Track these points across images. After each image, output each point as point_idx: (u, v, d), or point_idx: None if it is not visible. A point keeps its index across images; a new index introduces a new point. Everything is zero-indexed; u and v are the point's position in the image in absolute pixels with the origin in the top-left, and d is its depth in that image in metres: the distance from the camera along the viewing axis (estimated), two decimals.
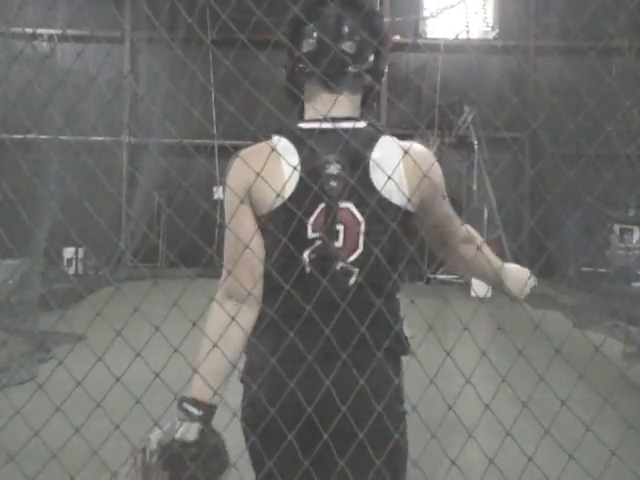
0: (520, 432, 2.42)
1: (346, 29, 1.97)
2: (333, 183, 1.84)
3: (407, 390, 2.24)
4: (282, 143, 1.96)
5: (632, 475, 2.47)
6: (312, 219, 1.85)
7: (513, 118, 13.88)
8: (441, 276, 14.25)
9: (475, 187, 14.36)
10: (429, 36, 15.88)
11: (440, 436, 2.27)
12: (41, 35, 11.94)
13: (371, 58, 2.04)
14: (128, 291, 2.49)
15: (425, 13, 16.09)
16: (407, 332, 2.11)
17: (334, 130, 1.87)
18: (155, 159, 13.40)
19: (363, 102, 2.12)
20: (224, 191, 1.98)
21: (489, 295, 12.23)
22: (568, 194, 9.84)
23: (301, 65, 2.05)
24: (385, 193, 1.87)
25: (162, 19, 11.31)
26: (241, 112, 2.93)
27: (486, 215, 14.07)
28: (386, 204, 1.85)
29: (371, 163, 1.87)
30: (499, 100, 13.00)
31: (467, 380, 2.22)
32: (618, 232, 13.02)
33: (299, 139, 1.93)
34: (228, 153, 2.17)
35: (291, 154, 1.92)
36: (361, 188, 1.82)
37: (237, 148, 2.16)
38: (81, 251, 13.36)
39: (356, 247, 1.87)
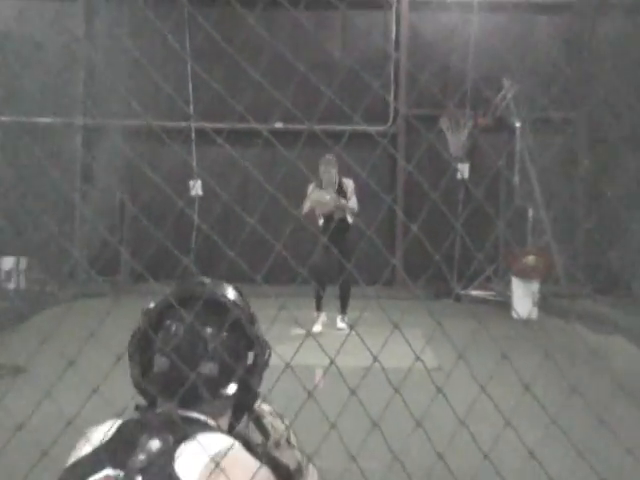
0: None
1: (208, 345, 2.00)
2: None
3: (432, 435, 2.25)
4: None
5: None
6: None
7: (565, 94, 13.90)
8: (475, 292, 14.25)
9: (517, 180, 14.35)
10: None
11: None
12: None
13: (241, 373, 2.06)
14: (82, 310, 2.50)
15: None
16: (432, 363, 2.13)
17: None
18: (117, 146, 13.41)
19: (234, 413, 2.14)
20: None
21: (534, 316, 12.23)
22: (634, 189, 9.86)
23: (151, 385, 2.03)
24: None
25: None
26: (225, 87, 2.94)
27: (531, 216, 14.06)
28: None
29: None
30: (548, 72, 13.01)
31: (506, 422, 2.23)
32: None
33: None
34: (208, 138, 2.17)
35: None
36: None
37: (220, 132, 2.17)
38: (23, 261, 13.36)
39: None
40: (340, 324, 10.68)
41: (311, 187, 10.35)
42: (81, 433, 1.96)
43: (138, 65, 11.56)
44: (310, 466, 2.14)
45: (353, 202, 10.37)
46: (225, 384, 2.02)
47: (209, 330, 2.03)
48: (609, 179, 11.86)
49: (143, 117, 12.46)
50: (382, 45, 15.99)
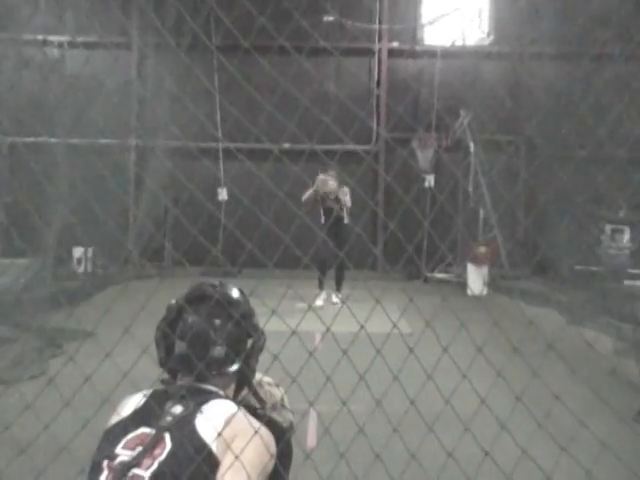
0: (514, 425, 2.42)
1: (217, 334, 2.01)
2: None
3: (406, 385, 2.24)
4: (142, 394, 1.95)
5: (623, 466, 2.47)
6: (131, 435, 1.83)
7: (508, 122, 13.85)
8: (439, 275, 14.23)
9: (471, 189, 14.32)
10: (426, 43, 15.82)
11: (437, 429, 2.27)
12: (51, 42, 11.95)
13: (243, 355, 2.05)
14: (135, 289, 2.50)
15: (423, 21, 16.03)
16: (406, 330, 2.12)
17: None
18: (161, 161, 13.37)
19: (237, 385, 2.12)
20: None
21: (485, 293, 12.22)
22: (561, 195, 9.85)
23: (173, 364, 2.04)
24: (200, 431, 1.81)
25: (168, 26, 11.30)
26: (245, 115, 2.94)
27: (482, 216, 14.04)
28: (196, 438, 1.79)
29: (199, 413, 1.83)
30: (494, 104, 12.98)
31: (463, 375, 2.22)
32: (609, 232, 12.98)
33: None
34: (232, 155, 2.16)
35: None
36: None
37: (241, 151, 2.16)
38: (90, 250, 13.35)
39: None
40: (334, 299, 10.46)
41: (309, 191, 10.09)
42: (123, 396, 1.96)
43: (178, 99, 11.52)
44: (310, 410, 2.13)
45: (348, 200, 10.13)
46: (230, 364, 2.02)
47: (218, 322, 2.03)
48: (542, 187, 11.82)
49: (182, 139, 12.42)
50: (367, 83, 15.96)
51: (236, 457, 1.75)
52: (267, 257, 2.28)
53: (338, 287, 10.67)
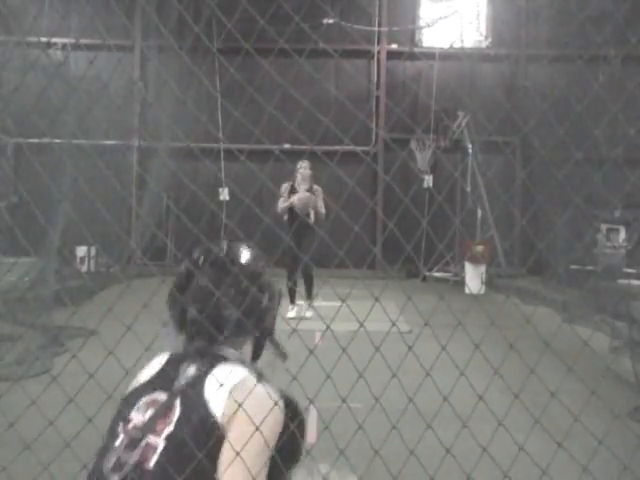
0: (512, 422, 2.42)
1: (227, 295, 1.93)
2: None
3: (405, 383, 2.24)
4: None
5: (618, 463, 2.47)
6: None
7: (505, 123, 13.87)
8: (437, 274, 14.24)
9: (469, 189, 14.34)
10: (425, 45, 15.85)
11: (435, 426, 2.27)
12: (55, 44, 11.95)
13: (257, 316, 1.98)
14: (138, 288, 2.49)
15: (421, 23, 16.05)
16: (404, 328, 2.10)
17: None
18: (164, 162, 13.39)
19: (254, 348, 2.07)
20: None
21: (482, 292, 12.22)
22: (557, 195, 9.86)
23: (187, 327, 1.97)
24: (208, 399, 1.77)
25: (170, 28, 11.30)
26: (246, 117, 2.94)
27: (479, 215, 14.06)
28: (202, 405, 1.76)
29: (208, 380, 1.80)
30: (492, 106, 12.99)
31: (461, 372, 2.22)
32: (605, 231, 13.00)
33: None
34: (233, 156, 2.17)
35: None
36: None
37: (242, 151, 2.15)
38: (93, 250, 13.37)
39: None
40: (308, 314, 8.33)
41: (284, 186, 9.16)
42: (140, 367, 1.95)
43: (180, 100, 11.53)
44: (311, 407, 2.13)
45: (322, 207, 9.05)
46: (243, 324, 1.94)
47: (227, 283, 1.94)
48: (538, 187, 11.83)
49: (184, 140, 12.43)
50: (366, 85, 15.96)
51: (243, 443, 1.71)
52: (268, 255, 2.28)
53: (309, 296, 9.10)
